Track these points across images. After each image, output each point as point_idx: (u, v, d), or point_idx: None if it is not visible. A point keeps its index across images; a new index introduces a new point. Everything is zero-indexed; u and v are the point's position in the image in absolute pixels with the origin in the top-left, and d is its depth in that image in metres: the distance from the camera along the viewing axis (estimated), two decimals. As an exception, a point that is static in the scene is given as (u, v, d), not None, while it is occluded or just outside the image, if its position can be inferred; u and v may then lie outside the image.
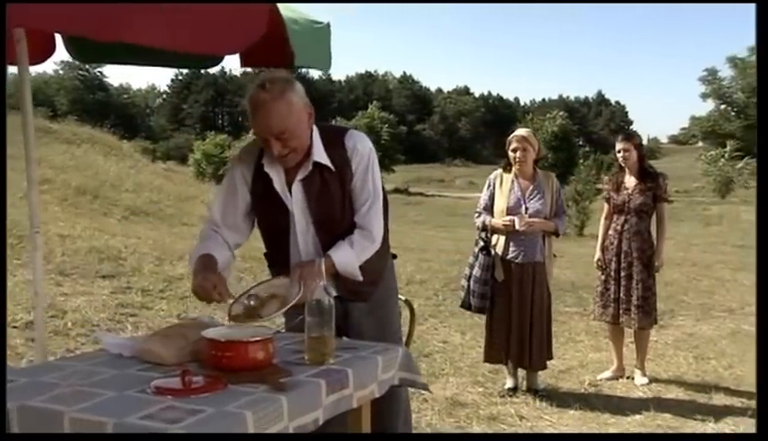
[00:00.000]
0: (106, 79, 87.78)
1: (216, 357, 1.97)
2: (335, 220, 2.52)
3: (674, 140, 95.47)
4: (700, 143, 62.64)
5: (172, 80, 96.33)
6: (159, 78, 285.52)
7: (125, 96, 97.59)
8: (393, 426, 2.64)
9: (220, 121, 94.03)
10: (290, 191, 2.48)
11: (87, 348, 4.86)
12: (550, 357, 4.73)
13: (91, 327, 5.27)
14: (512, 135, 4.71)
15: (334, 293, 2.21)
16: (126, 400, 1.75)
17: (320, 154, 2.45)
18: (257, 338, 2.01)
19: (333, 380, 1.99)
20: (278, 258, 2.59)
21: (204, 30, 2.04)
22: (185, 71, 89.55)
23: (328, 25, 2.72)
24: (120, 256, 7.48)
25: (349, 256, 2.48)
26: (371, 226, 2.54)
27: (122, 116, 72.60)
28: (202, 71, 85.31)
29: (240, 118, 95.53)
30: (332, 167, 2.47)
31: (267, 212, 2.55)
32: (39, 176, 11.87)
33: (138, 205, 13.55)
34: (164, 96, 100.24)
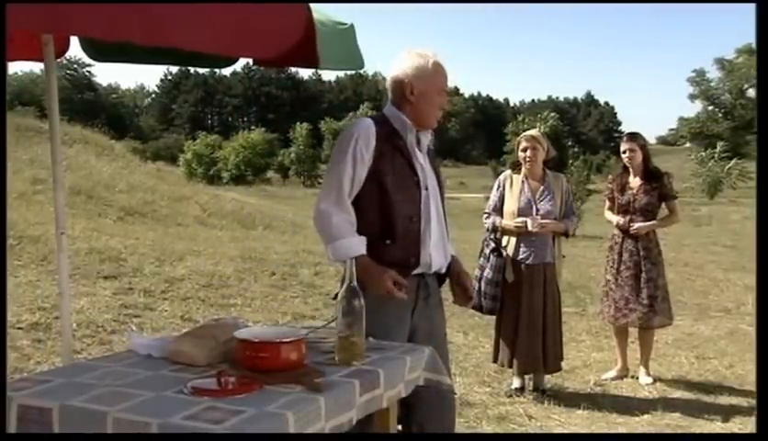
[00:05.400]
0: (94, 78, 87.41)
1: (250, 358, 1.97)
2: (442, 195, 2.73)
3: (663, 140, 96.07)
4: (688, 144, 63.15)
5: (161, 80, 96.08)
6: (148, 78, 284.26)
7: (113, 95, 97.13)
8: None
9: (209, 121, 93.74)
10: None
11: (93, 349, 4.85)
12: (561, 358, 4.76)
13: (96, 328, 5.24)
14: (521, 135, 4.76)
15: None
16: (165, 400, 1.76)
17: (428, 132, 2.71)
18: (291, 339, 2.02)
19: (366, 381, 2.00)
20: (405, 245, 2.57)
21: (245, 34, 2.03)
22: (174, 70, 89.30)
23: (352, 26, 2.74)
24: (120, 257, 7.43)
25: (452, 247, 2.78)
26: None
27: (111, 116, 72.15)
28: (191, 70, 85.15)
29: (229, 119, 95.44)
30: (431, 146, 2.73)
31: (401, 185, 2.56)
32: (31, 177, 11.77)
33: (132, 205, 13.48)
34: (153, 95, 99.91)
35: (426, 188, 2.61)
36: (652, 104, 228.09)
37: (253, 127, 66.55)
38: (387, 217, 2.54)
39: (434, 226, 2.62)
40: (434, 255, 2.63)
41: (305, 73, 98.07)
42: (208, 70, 75.72)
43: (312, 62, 2.46)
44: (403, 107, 2.61)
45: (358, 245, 2.51)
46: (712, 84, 62.92)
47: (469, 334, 6.25)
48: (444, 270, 2.72)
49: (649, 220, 4.95)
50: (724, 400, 4.64)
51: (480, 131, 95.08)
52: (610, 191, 5.17)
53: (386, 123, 2.61)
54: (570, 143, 51.80)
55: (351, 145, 2.52)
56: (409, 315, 2.64)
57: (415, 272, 2.61)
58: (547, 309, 4.56)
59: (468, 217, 18.89)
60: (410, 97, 2.59)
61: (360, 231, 2.54)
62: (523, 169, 4.64)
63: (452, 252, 2.79)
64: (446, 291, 2.79)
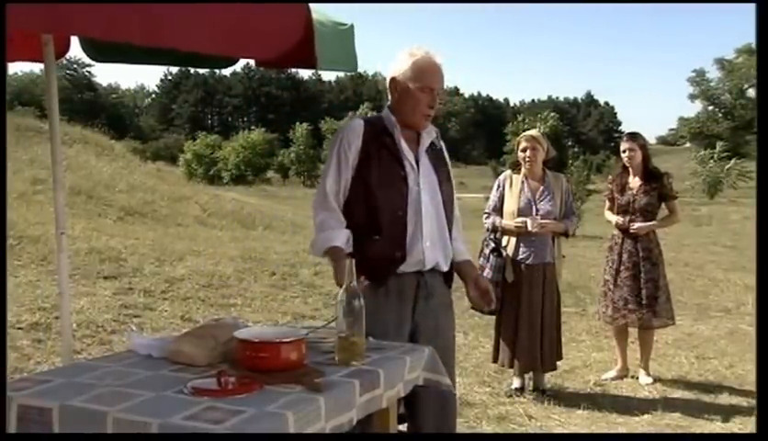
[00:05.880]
0: (94, 79, 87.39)
1: (250, 358, 1.97)
2: (452, 199, 2.73)
3: (663, 140, 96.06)
4: (688, 144, 63.15)
5: (161, 80, 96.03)
6: (148, 78, 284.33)
7: (113, 95, 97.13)
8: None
9: (209, 122, 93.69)
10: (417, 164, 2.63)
11: (93, 349, 4.85)
12: (560, 358, 4.76)
13: (95, 328, 5.24)
14: (521, 135, 4.77)
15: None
16: (165, 400, 1.76)
17: (433, 130, 2.70)
18: (291, 339, 2.02)
19: (366, 381, 2.00)
20: (391, 239, 2.58)
21: (245, 35, 2.04)
22: (174, 70, 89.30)
23: (352, 26, 2.74)
24: (120, 257, 7.44)
25: (466, 250, 2.82)
26: (459, 215, 2.82)
27: (111, 116, 72.17)
28: (191, 70, 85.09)
29: (229, 119, 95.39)
30: (438, 145, 2.73)
31: (386, 181, 2.58)
32: (31, 177, 11.77)
33: (132, 205, 13.48)
34: (153, 95, 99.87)
35: (418, 185, 2.60)
36: (652, 104, 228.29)
37: (253, 127, 66.48)
38: (372, 212, 2.58)
39: (427, 223, 2.60)
40: (429, 252, 2.61)
41: (305, 74, 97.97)
42: (208, 70, 75.68)
43: (310, 63, 2.46)
44: (393, 106, 2.66)
45: (333, 239, 2.55)
46: (712, 84, 62.88)
47: (469, 334, 6.25)
48: (444, 268, 2.70)
49: (649, 221, 4.95)
50: (724, 400, 4.64)
51: (480, 131, 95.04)
52: (610, 191, 5.17)
53: (378, 122, 2.66)
54: (570, 143, 51.68)
55: (336, 147, 2.63)
56: (409, 315, 2.64)
57: (410, 269, 2.61)
58: (545, 308, 4.55)
59: (468, 217, 18.86)
60: (394, 95, 2.63)
61: (350, 228, 2.59)
62: (522, 169, 4.65)
63: (467, 256, 2.82)
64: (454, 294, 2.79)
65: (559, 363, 4.88)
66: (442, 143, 2.80)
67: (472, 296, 2.75)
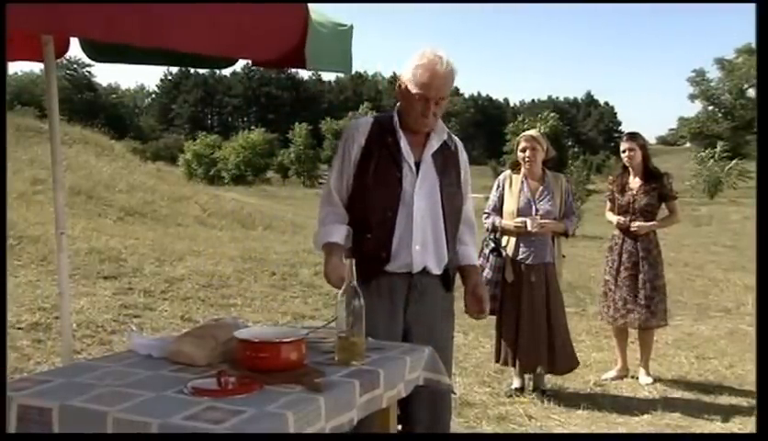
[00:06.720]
0: (94, 79, 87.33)
1: (250, 358, 1.98)
2: (457, 204, 2.70)
3: (663, 140, 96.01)
4: (688, 144, 63.17)
5: (161, 80, 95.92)
6: (148, 78, 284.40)
7: (113, 95, 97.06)
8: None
9: (209, 122, 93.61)
10: (417, 168, 2.62)
11: (93, 349, 4.85)
12: (577, 363, 4.73)
13: (95, 328, 5.24)
14: (520, 135, 4.77)
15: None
16: (165, 400, 1.76)
17: (444, 131, 2.70)
18: (291, 339, 2.02)
19: (366, 381, 2.01)
20: (378, 239, 2.59)
21: (244, 36, 2.04)
22: (174, 70, 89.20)
23: (351, 27, 2.74)
24: (120, 257, 7.44)
25: (475, 255, 2.88)
26: (474, 220, 2.85)
27: (111, 116, 72.13)
28: (191, 70, 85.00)
29: (229, 119, 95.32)
30: (451, 147, 2.72)
31: (382, 181, 2.58)
32: (31, 177, 11.75)
33: (132, 205, 13.47)
34: (153, 95, 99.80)
35: (413, 188, 2.59)
36: (652, 104, 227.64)
37: (252, 127, 66.37)
38: (365, 210, 2.61)
39: (418, 226, 2.58)
40: (418, 256, 2.60)
41: (305, 74, 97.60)
42: (208, 70, 75.56)
43: (298, 63, 2.46)
44: (398, 106, 2.69)
45: (331, 234, 2.61)
46: (712, 84, 62.86)
47: (469, 334, 6.25)
48: (436, 272, 2.66)
49: (650, 221, 4.95)
50: (724, 400, 4.64)
51: (480, 131, 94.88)
52: (610, 192, 5.17)
53: (386, 122, 2.67)
54: (570, 143, 51.58)
55: (341, 144, 2.70)
56: (401, 316, 2.64)
57: (398, 270, 2.60)
58: (551, 308, 4.55)
59: (468, 217, 18.83)
60: (397, 96, 2.66)
61: (350, 224, 2.65)
62: (522, 169, 4.65)
63: (472, 261, 2.83)
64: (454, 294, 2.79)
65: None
66: (458, 142, 2.78)
67: (467, 301, 2.77)
